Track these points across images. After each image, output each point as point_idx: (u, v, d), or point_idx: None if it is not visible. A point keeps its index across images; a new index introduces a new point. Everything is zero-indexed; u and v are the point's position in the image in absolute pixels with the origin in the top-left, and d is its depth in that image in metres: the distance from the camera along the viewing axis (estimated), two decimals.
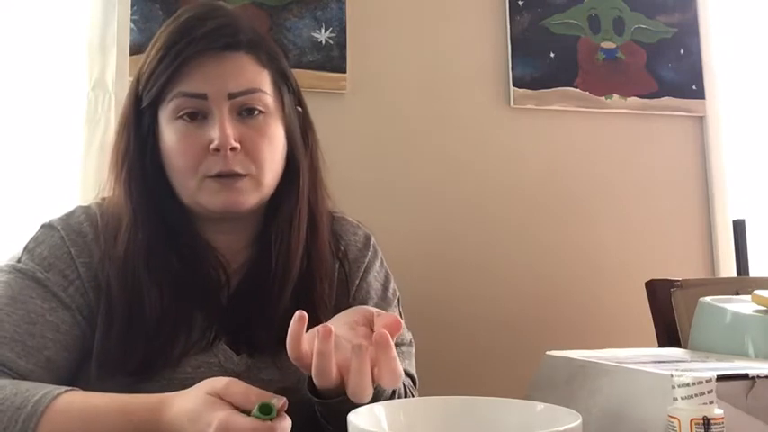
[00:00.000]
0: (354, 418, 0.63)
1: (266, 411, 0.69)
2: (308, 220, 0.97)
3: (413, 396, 0.97)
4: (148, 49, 0.93)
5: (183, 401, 0.71)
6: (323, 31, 1.89)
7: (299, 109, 1.00)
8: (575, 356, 0.97)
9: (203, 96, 0.88)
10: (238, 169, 0.89)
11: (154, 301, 0.88)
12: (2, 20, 1.64)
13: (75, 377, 0.88)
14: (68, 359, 0.88)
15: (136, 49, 1.67)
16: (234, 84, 0.90)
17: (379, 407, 0.69)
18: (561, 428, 0.60)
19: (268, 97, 0.93)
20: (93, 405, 0.74)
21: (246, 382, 0.88)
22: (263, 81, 0.93)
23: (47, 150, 1.64)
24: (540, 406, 0.69)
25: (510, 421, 0.69)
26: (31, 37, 1.66)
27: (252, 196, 0.91)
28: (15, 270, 0.88)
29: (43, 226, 0.94)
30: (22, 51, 1.65)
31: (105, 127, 1.61)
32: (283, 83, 0.97)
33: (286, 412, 0.71)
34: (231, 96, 0.89)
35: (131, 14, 1.72)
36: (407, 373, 1.00)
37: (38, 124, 1.64)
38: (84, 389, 0.80)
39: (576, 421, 0.61)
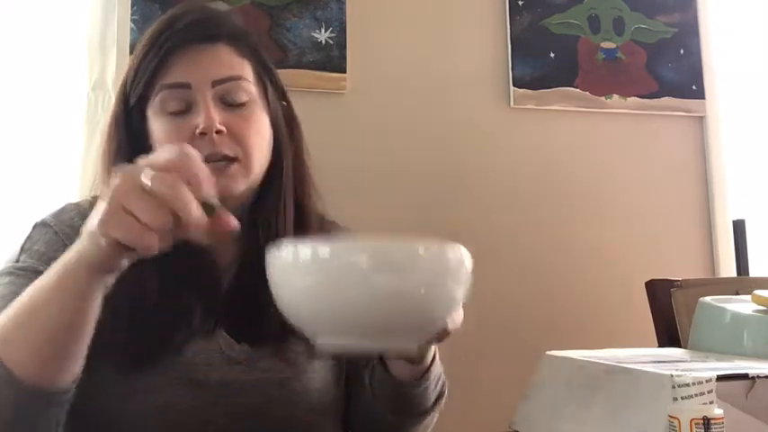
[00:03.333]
0: (278, 249, 0.61)
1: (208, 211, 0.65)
2: (294, 213, 0.98)
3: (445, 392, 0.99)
4: (135, 49, 0.95)
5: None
6: (323, 31, 1.89)
7: (284, 103, 1.01)
8: (575, 356, 0.97)
9: (187, 86, 0.90)
10: (226, 151, 0.89)
11: (152, 287, 0.89)
12: (2, 19, 1.65)
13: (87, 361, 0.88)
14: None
15: None
16: (216, 72, 0.91)
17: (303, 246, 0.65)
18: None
19: (251, 86, 0.94)
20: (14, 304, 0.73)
21: (246, 370, 0.90)
22: (245, 70, 0.94)
23: (47, 150, 1.64)
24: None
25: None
26: (31, 37, 1.66)
27: (240, 181, 0.91)
28: (16, 269, 0.89)
29: (36, 225, 0.94)
30: (22, 51, 1.65)
31: None
32: (266, 75, 0.98)
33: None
34: (215, 83, 0.90)
35: (131, 14, 1.72)
36: None
37: (38, 124, 1.64)
38: (91, 379, 0.81)
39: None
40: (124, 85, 0.94)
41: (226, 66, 0.92)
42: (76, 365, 0.74)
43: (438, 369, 0.93)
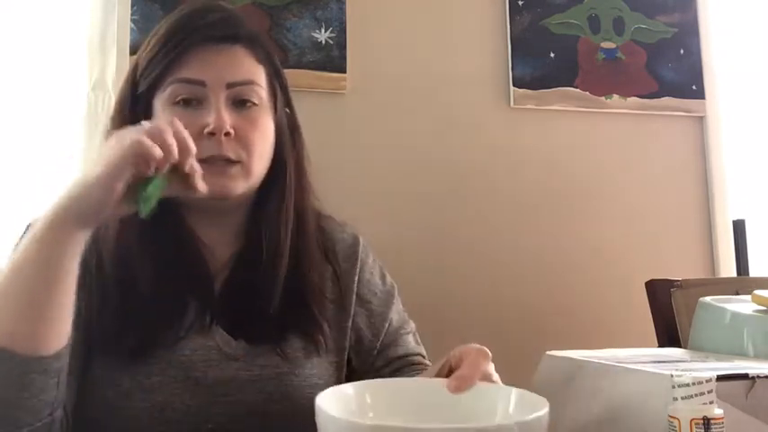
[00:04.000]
0: (321, 401, 0.63)
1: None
2: (294, 216, 0.99)
3: None
4: (148, 39, 0.95)
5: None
6: (323, 31, 1.89)
7: (287, 111, 1.02)
8: (575, 356, 0.97)
9: (202, 83, 0.90)
10: (230, 154, 0.90)
11: (146, 278, 0.89)
12: (2, 20, 1.65)
13: (87, 358, 0.89)
14: (77, 339, 0.88)
15: (136, 50, 1.63)
16: (231, 74, 0.92)
17: (348, 387, 0.70)
18: (530, 417, 0.60)
19: (263, 91, 0.95)
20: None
21: (244, 367, 0.90)
22: (259, 75, 0.95)
23: (47, 150, 1.64)
24: (510, 390, 0.70)
25: (479, 406, 0.70)
26: (31, 37, 1.66)
27: (240, 183, 0.92)
28: None
29: (29, 225, 0.94)
30: (23, 51, 1.65)
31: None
32: (277, 81, 0.99)
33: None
34: (229, 86, 0.91)
35: (131, 14, 1.72)
36: (424, 357, 1.06)
37: (38, 124, 1.64)
38: (90, 377, 0.83)
39: (544, 409, 0.61)
40: (134, 71, 0.95)
41: (242, 69, 0.93)
42: (63, 329, 0.76)
43: None
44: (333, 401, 0.65)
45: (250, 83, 0.93)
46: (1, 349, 0.72)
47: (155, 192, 0.74)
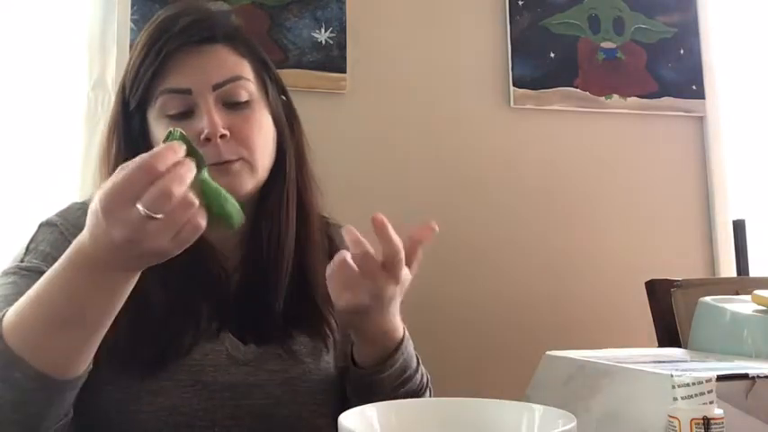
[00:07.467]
0: (345, 420, 0.63)
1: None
2: (297, 208, 0.98)
3: (430, 387, 0.99)
4: (131, 52, 0.94)
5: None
6: (323, 31, 1.89)
7: (283, 98, 1.01)
8: (575, 356, 0.97)
9: (187, 91, 0.89)
10: (230, 156, 0.89)
11: (158, 289, 0.88)
12: (2, 19, 1.65)
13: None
14: None
15: None
16: (216, 74, 0.91)
17: (371, 408, 0.70)
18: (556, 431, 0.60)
19: (251, 84, 0.94)
20: (30, 297, 0.73)
21: (253, 371, 0.90)
22: (244, 69, 0.94)
23: (47, 150, 1.64)
24: (535, 408, 0.69)
25: (504, 423, 0.69)
26: (31, 37, 1.66)
27: (247, 181, 0.91)
28: (20, 269, 0.88)
29: (41, 224, 0.94)
30: (23, 51, 1.65)
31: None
32: (265, 72, 0.98)
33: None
34: (216, 87, 0.90)
35: (131, 14, 1.72)
36: None
37: (38, 124, 1.64)
38: (98, 379, 0.82)
39: (571, 424, 0.61)
40: (122, 88, 0.94)
41: (225, 67, 0.92)
42: (92, 354, 0.75)
43: (407, 358, 0.92)
44: (357, 421, 0.65)
45: (236, 79, 0.92)
46: (41, 375, 0.69)
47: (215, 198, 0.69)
